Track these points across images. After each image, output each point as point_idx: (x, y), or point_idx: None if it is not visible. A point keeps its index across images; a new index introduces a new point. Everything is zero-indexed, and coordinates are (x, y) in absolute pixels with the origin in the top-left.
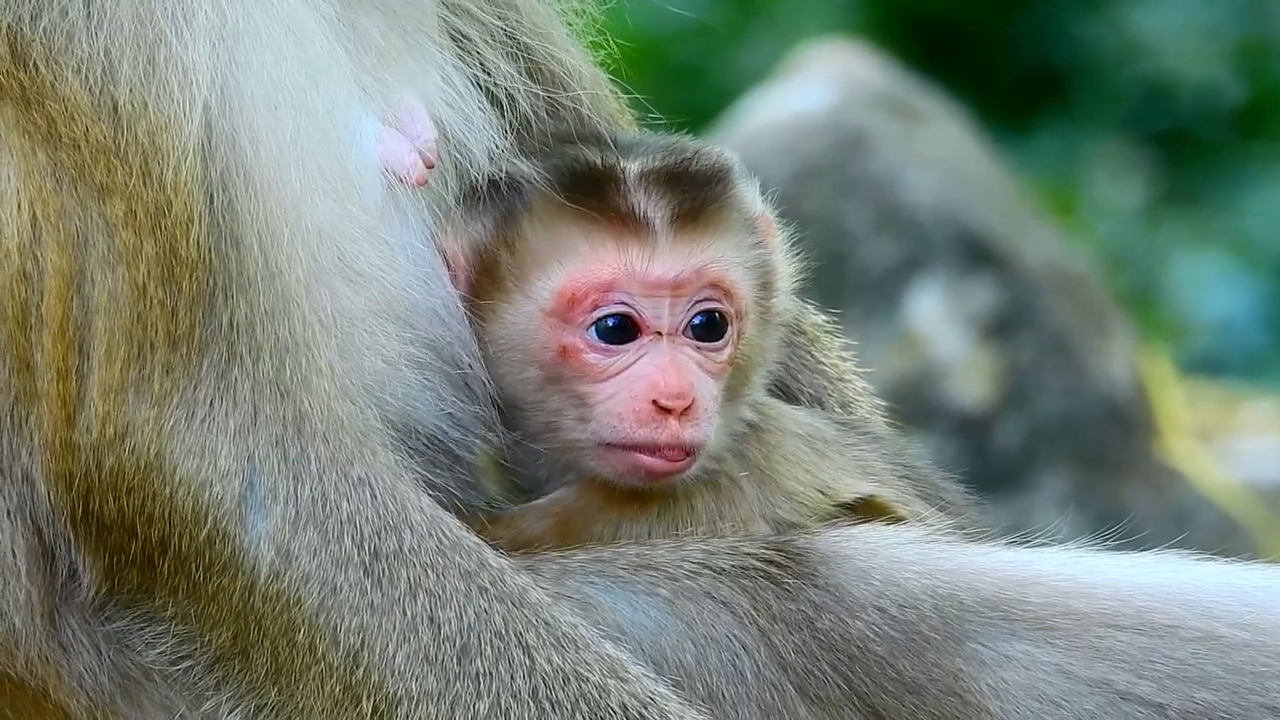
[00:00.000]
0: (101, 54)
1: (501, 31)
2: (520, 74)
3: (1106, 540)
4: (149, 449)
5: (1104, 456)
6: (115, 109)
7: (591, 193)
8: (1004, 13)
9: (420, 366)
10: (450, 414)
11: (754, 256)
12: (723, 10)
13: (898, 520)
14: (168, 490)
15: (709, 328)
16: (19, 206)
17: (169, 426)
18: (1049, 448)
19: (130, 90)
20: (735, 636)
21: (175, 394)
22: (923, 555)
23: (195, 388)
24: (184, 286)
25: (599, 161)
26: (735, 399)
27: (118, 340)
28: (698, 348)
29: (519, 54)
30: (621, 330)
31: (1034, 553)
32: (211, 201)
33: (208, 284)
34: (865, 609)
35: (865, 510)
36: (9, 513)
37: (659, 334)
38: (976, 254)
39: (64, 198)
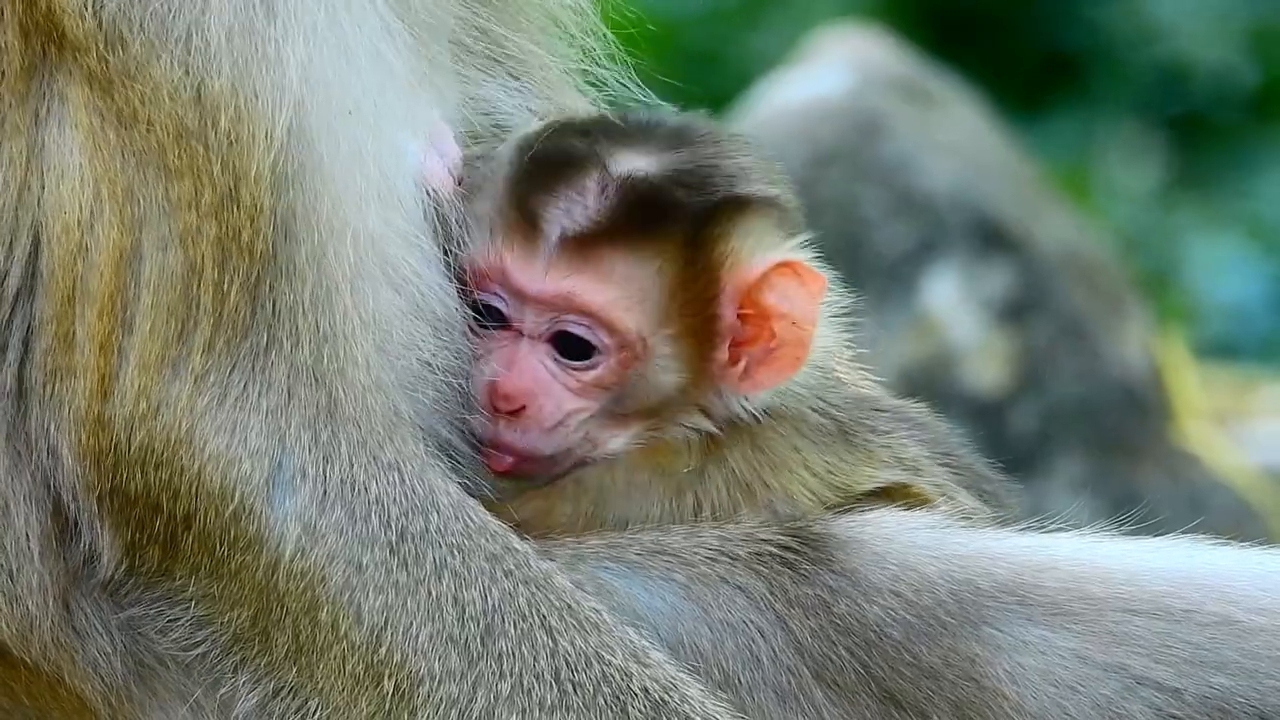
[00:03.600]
0: (203, 40)
1: (497, 60)
2: (523, 100)
3: (1122, 525)
4: (180, 424)
5: (1119, 440)
6: (202, 94)
7: (522, 182)
8: None
9: (445, 373)
10: (464, 426)
11: (677, 299)
12: None
13: (920, 504)
14: (196, 465)
15: (568, 347)
16: (82, 182)
17: (202, 404)
18: (1064, 432)
19: (223, 78)
20: (751, 621)
21: (213, 373)
22: (939, 540)
23: (233, 369)
24: (238, 270)
25: (551, 152)
26: (652, 419)
27: (163, 317)
28: (556, 360)
29: (518, 81)
30: (496, 316)
31: (1050, 538)
32: (280, 194)
33: (260, 270)
34: (882, 593)
35: (889, 496)
36: (25, 496)
37: (520, 334)
38: (991, 238)
39: (130, 176)
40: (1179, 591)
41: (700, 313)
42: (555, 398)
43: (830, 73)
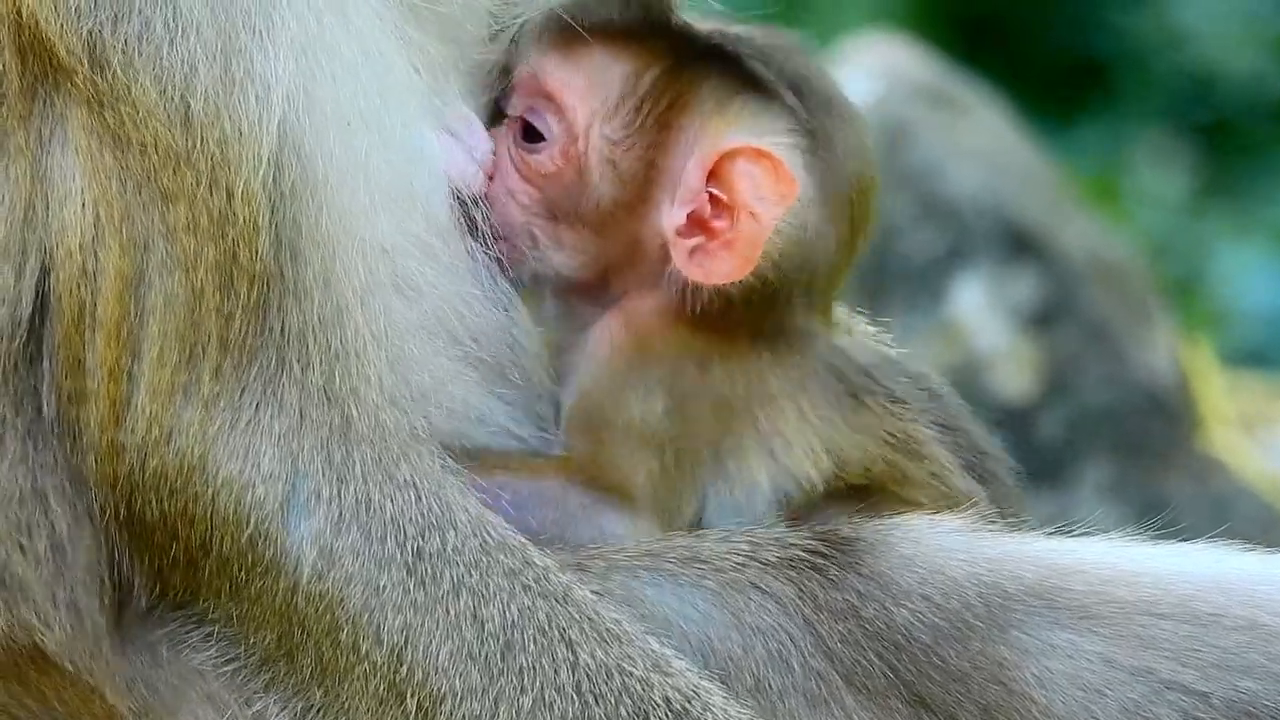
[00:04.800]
0: (180, 62)
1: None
2: None
3: (1149, 530)
4: (192, 450)
5: (1146, 447)
6: (188, 116)
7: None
8: (1046, 3)
9: (470, 382)
10: (494, 430)
11: (639, 112)
12: (766, 2)
13: (910, 504)
14: (209, 492)
15: (527, 132)
16: (83, 206)
17: (214, 429)
18: (1091, 438)
19: (206, 99)
20: (781, 626)
21: (223, 397)
22: (967, 544)
23: (242, 392)
24: (241, 293)
25: None
26: (592, 242)
27: (170, 343)
28: (515, 143)
29: None
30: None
31: (1078, 542)
32: (276, 212)
33: (264, 292)
34: (910, 597)
35: (879, 486)
36: (91, 514)
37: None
38: (1018, 244)
39: (128, 200)
40: (1206, 596)
41: (658, 138)
42: (504, 177)
43: (857, 80)
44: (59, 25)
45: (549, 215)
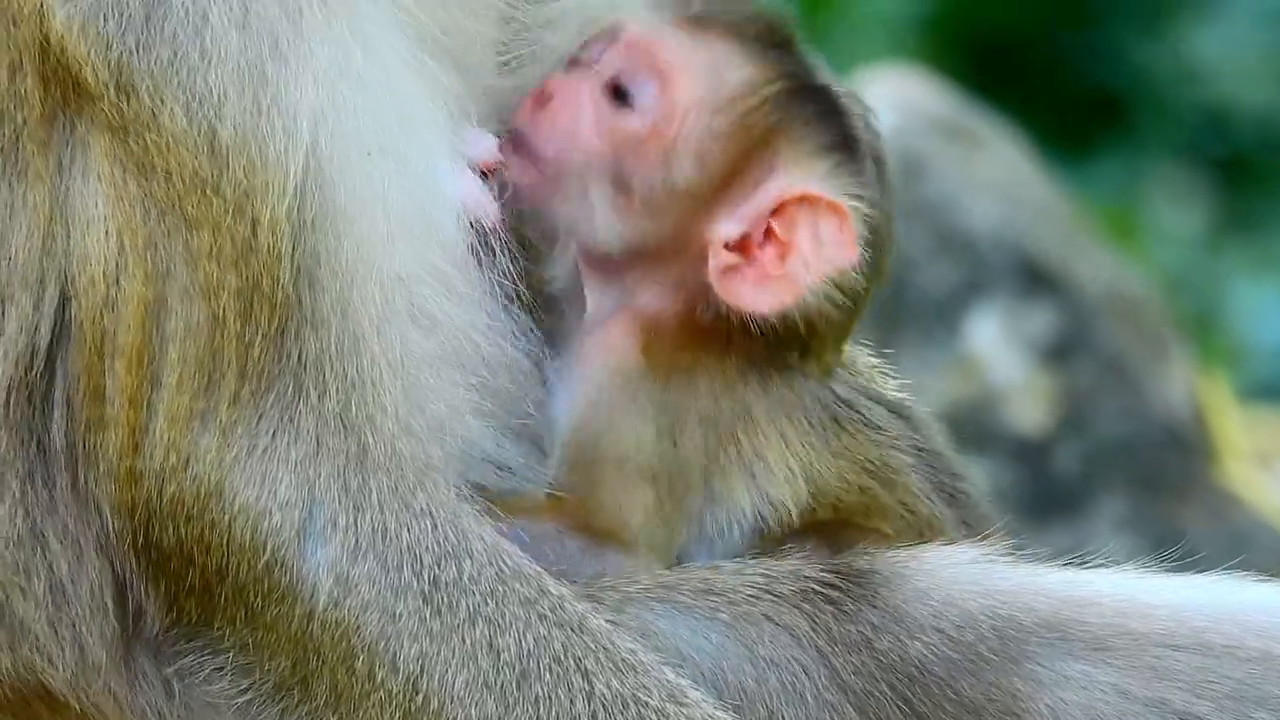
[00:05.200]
0: (211, 89)
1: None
2: None
3: (1164, 564)
4: (210, 477)
5: (1162, 481)
6: (215, 144)
7: None
8: (1061, 36)
9: (481, 415)
10: (501, 464)
11: (735, 122)
12: None
13: (876, 534)
14: (226, 518)
15: (618, 95)
16: (106, 234)
17: (231, 455)
18: (1107, 472)
19: (234, 127)
20: (795, 659)
21: (240, 424)
22: (981, 575)
23: (260, 419)
24: (260, 321)
25: None
26: (646, 229)
27: (190, 370)
28: (601, 97)
29: None
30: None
31: (1091, 574)
32: (298, 241)
33: (283, 320)
34: (924, 630)
35: (838, 527)
36: (98, 547)
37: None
38: (1035, 278)
39: (152, 228)
40: (1220, 627)
41: (750, 150)
42: (578, 117)
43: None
44: (87, 50)
45: (612, 178)
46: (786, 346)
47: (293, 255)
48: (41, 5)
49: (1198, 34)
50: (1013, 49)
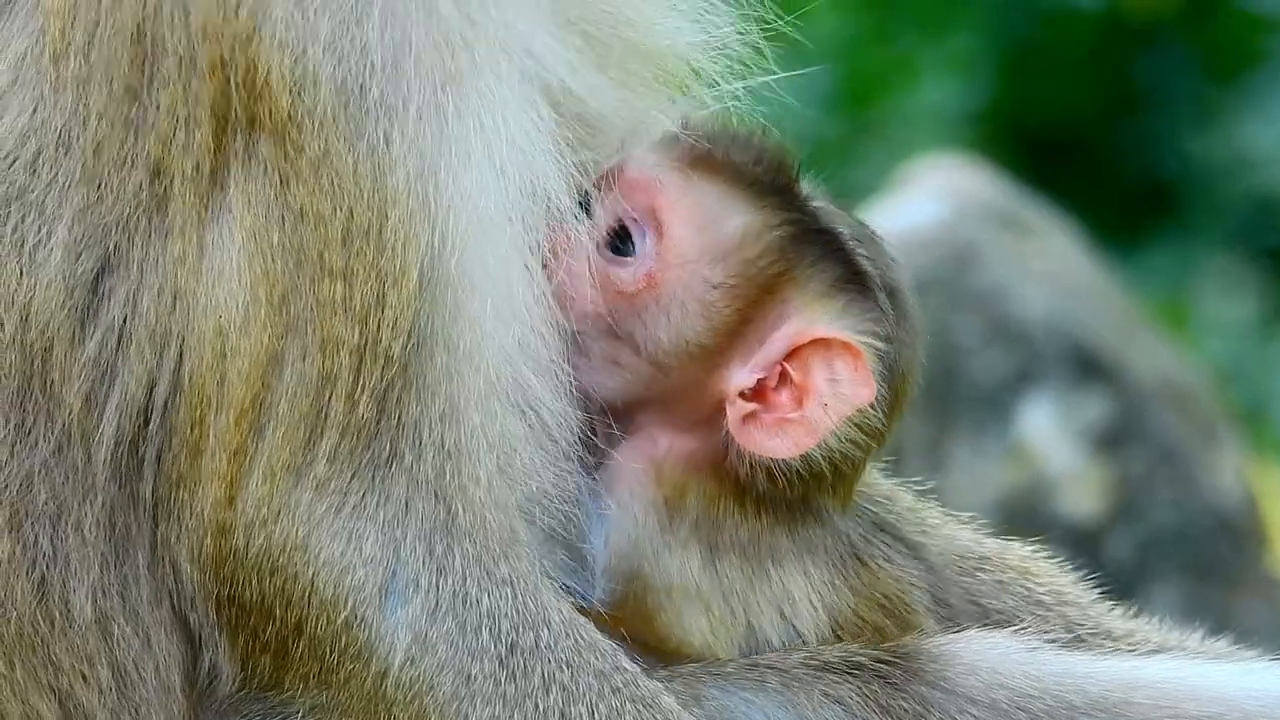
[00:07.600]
0: (393, 133)
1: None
2: None
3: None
4: (298, 531)
5: (1215, 568)
6: (378, 190)
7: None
8: (1114, 127)
9: (558, 501)
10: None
11: (739, 269)
12: (836, 126)
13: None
14: (310, 572)
15: (617, 241)
16: (240, 283)
17: (321, 510)
18: (1160, 560)
19: (402, 174)
20: None
21: (334, 480)
22: (1031, 656)
23: (353, 477)
24: (369, 381)
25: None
26: (646, 378)
27: (295, 424)
28: (600, 246)
29: None
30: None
31: (1141, 658)
32: (421, 304)
33: (391, 381)
34: (976, 704)
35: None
36: (166, 627)
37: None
38: (1087, 367)
39: (288, 280)
40: (1270, 712)
41: (757, 299)
42: (576, 272)
43: (926, 202)
44: (294, 79)
45: (608, 331)
46: (808, 485)
47: (413, 318)
48: (252, 44)
49: (1249, 125)
50: (1065, 139)
